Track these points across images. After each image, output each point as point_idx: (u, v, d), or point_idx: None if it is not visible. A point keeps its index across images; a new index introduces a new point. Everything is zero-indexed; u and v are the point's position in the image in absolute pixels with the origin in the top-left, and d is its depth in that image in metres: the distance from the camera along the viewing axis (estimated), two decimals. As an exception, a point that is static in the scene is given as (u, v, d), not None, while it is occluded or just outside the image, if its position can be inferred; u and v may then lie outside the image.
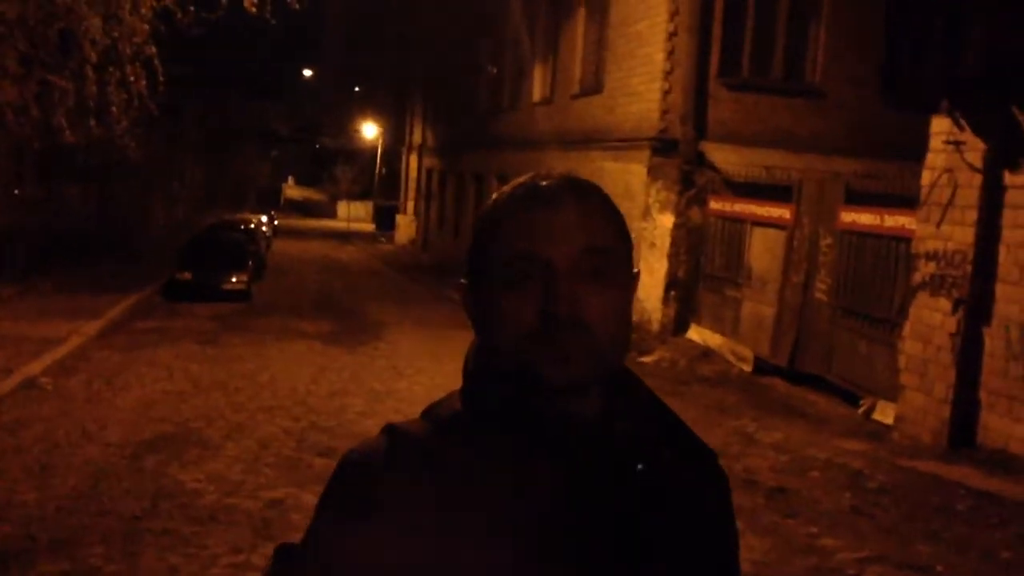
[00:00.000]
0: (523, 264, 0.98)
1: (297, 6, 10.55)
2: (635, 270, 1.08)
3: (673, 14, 12.85)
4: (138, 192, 24.77)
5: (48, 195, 17.78)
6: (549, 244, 0.98)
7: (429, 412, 1.06)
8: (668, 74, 12.94)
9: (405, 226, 33.35)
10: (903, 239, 8.97)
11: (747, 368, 11.33)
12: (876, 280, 9.53)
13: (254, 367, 10.51)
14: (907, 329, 8.59)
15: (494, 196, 1.08)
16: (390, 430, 1.02)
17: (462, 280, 1.09)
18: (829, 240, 10.31)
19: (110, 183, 22.19)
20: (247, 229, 22.50)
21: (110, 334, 12.23)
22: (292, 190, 61.01)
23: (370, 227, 42.20)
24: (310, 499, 5.52)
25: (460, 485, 0.95)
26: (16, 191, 16.66)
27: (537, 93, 19.19)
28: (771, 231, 11.48)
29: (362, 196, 48.43)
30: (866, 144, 12.18)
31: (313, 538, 0.98)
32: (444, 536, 0.93)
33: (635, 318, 13.36)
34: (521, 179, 1.06)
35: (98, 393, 8.95)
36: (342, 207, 47.91)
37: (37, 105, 9.25)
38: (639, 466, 1.02)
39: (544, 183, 1.03)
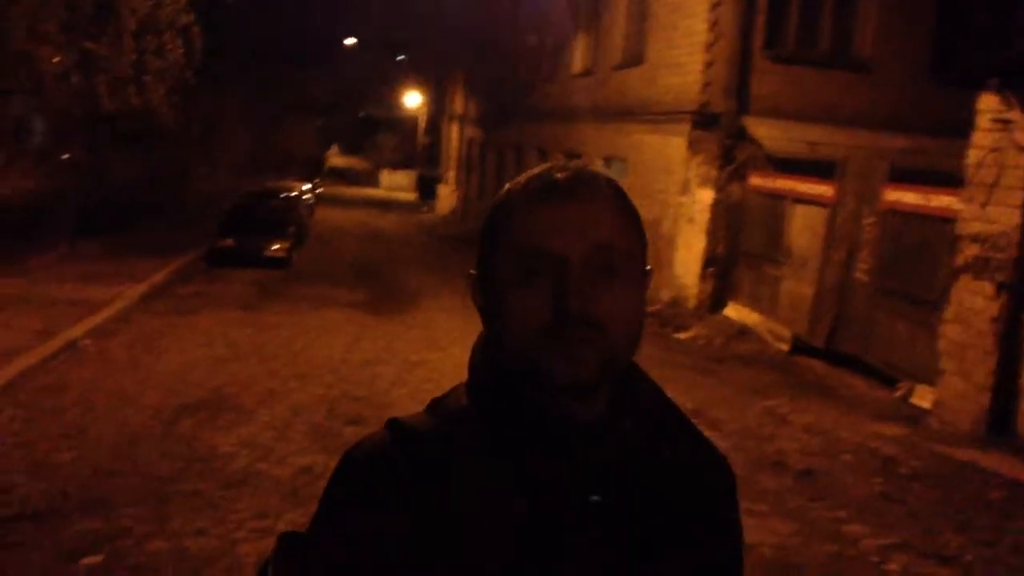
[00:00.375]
0: (535, 259, 0.96)
1: None
2: (648, 267, 1.05)
3: (717, -17, 12.57)
4: (183, 159, 25.06)
5: (94, 161, 18.09)
6: (562, 239, 0.96)
7: (434, 406, 1.06)
8: (711, 46, 12.69)
9: (446, 196, 33.37)
10: (948, 219, 8.73)
11: (784, 348, 11.18)
12: (918, 261, 9.30)
13: (290, 334, 10.65)
14: (948, 312, 8.39)
15: (507, 187, 1.06)
16: (393, 424, 1.02)
17: (471, 271, 1.08)
18: (872, 219, 10.08)
19: (155, 150, 22.51)
20: (289, 197, 22.64)
21: (152, 298, 12.46)
22: (336, 158, 61.28)
23: (412, 196, 42.32)
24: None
25: (463, 481, 0.95)
26: (64, 156, 16.99)
27: (578, 64, 18.97)
28: (812, 208, 11.26)
29: (404, 165, 48.52)
30: (913, 121, 11.87)
31: (316, 529, 0.99)
32: (446, 532, 0.93)
33: (673, 294, 13.32)
34: (535, 171, 1.04)
35: (138, 357, 9.13)
36: (384, 176, 48.10)
37: (78, 72, 9.38)
38: (635, 469, 1.01)
39: (559, 176, 1.00)
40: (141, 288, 12.58)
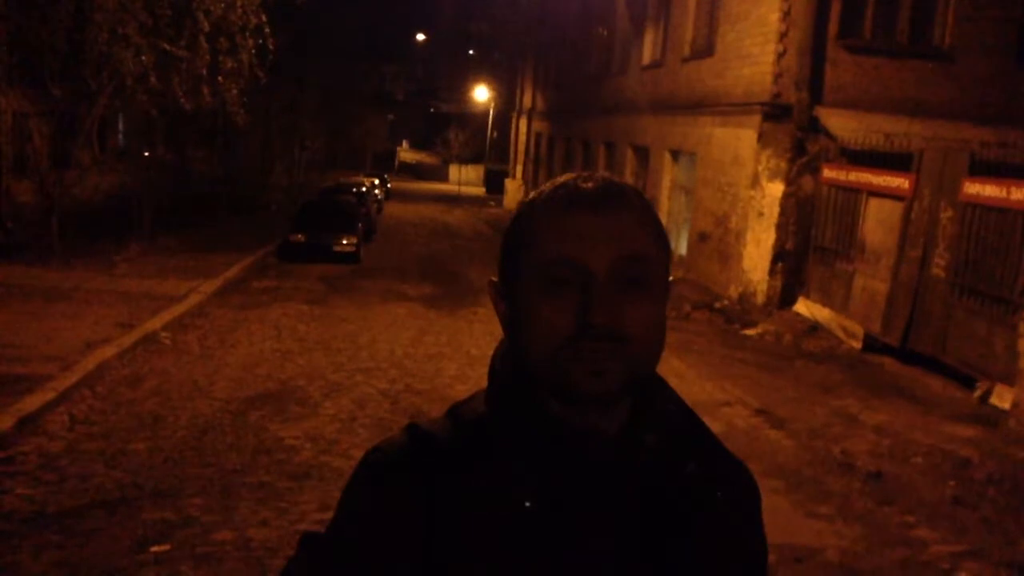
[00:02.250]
0: (561, 269, 0.96)
1: None
2: (671, 279, 1.04)
3: (790, -28, 12.27)
4: (259, 155, 25.75)
5: (174, 158, 18.72)
6: (589, 250, 0.95)
7: (453, 411, 1.06)
8: (783, 36, 12.40)
9: (514, 191, 33.45)
10: (1031, 214, 8.37)
11: (856, 345, 10.87)
12: (999, 257, 8.93)
13: (356, 328, 10.84)
14: (1031, 310, 8.04)
15: (531, 195, 1.05)
16: (412, 429, 1.03)
17: (493, 279, 1.08)
18: (950, 213, 9.72)
19: (233, 147, 23.16)
20: (359, 193, 23.06)
21: (227, 292, 12.82)
22: (406, 153, 62.08)
23: (480, 191, 42.57)
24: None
25: (480, 488, 0.96)
26: (146, 154, 17.64)
27: (647, 56, 18.78)
28: (888, 202, 10.91)
29: (474, 160, 48.81)
30: (995, 111, 11.39)
31: (336, 531, 1.01)
32: (462, 538, 0.94)
33: (741, 290, 13.09)
34: (561, 179, 1.03)
35: (211, 349, 9.42)
36: (454, 171, 48.46)
37: (155, 73, 9.71)
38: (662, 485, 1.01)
39: (585, 186, 1.00)
40: (216, 283, 12.96)
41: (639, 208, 1.00)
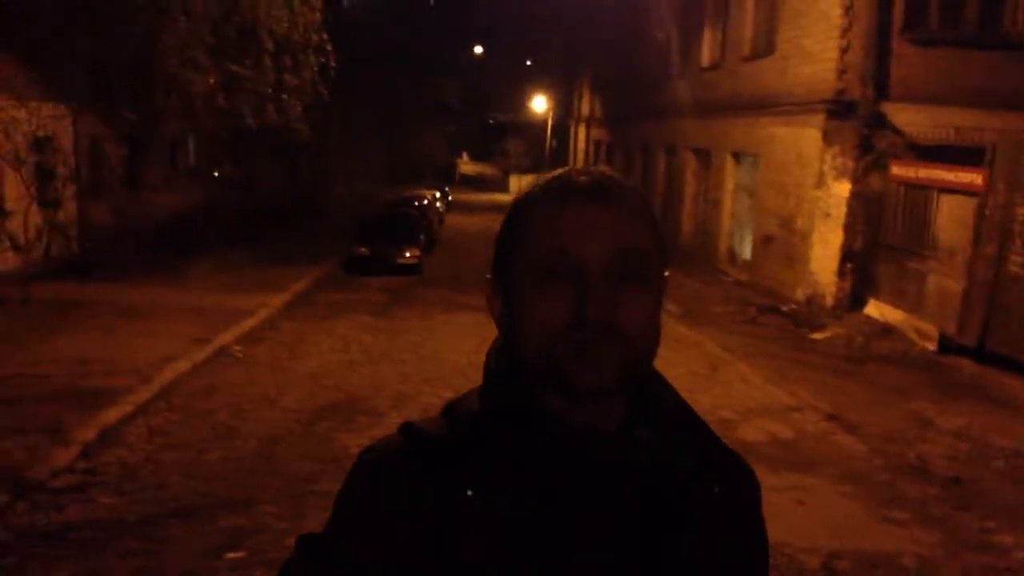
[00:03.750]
0: (555, 262, 0.95)
1: None
2: (666, 273, 1.03)
3: (851, -34, 12.02)
4: (322, 171, 26.24)
5: (241, 176, 19.21)
6: (583, 243, 0.95)
7: (448, 409, 1.05)
8: (845, 31, 12.14)
9: (574, 198, 33.35)
10: (1115, 206, 8.02)
11: (931, 347, 10.55)
12: (1082, 252, 8.58)
13: (419, 339, 10.95)
14: (1117, 306, 7.70)
15: (526, 190, 1.05)
16: (407, 428, 1.02)
17: (488, 276, 1.08)
18: (1027, 208, 9.38)
19: (297, 163, 23.66)
20: (421, 205, 23.31)
21: (294, 306, 13.09)
22: (466, 165, 62.51)
23: (541, 200, 42.48)
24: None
25: (475, 486, 0.94)
26: (216, 173, 18.16)
27: (706, 58, 18.58)
28: (960, 198, 10.58)
29: (533, 170, 48.83)
30: (1074, 100, 10.91)
31: (332, 531, 1.01)
32: (456, 537, 0.93)
33: (808, 292, 12.83)
34: (555, 173, 1.03)
35: (280, 361, 9.62)
36: (513, 181, 48.58)
37: (223, 94, 10.00)
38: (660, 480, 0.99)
39: (580, 179, 0.99)
40: (285, 296, 13.24)
41: (634, 201, 0.99)
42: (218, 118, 10.56)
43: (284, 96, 10.48)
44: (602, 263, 0.94)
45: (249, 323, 11.20)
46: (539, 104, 43.84)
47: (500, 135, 53.20)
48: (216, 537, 5.01)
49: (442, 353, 10.17)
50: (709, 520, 1.01)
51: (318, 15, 10.13)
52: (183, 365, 8.80)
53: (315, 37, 10.38)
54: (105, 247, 14.41)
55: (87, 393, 7.52)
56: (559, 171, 1.04)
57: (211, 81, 10.14)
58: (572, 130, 35.76)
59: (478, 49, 57.16)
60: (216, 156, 18.35)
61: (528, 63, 51.79)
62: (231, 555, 4.79)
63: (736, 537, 1.05)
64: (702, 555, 1.00)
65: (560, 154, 41.34)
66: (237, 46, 9.90)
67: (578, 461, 0.96)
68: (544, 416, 0.98)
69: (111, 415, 7.01)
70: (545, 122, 44.15)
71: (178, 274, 14.09)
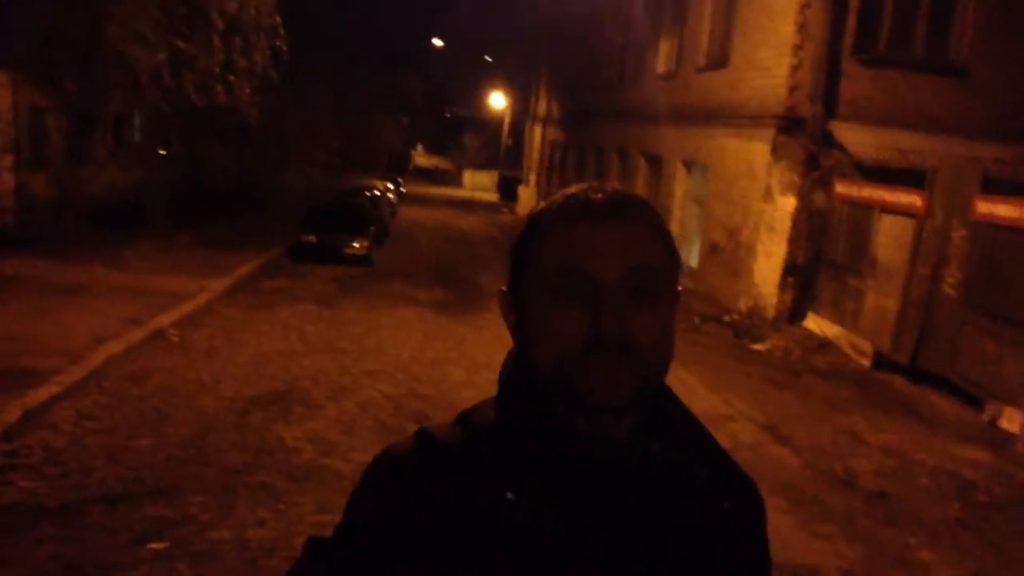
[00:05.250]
0: (571, 279, 0.97)
1: None
2: (679, 288, 1.05)
3: (807, -15, 12.23)
4: (274, 155, 25.86)
5: (189, 156, 18.81)
6: (599, 260, 0.96)
7: (462, 418, 1.06)
8: (798, 48, 12.36)
9: (527, 197, 33.47)
10: (1045, 234, 8.31)
11: (865, 363, 10.81)
12: (1011, 277, 8.86)
13: (363, 331, 10.85)
14: (1042, 332, 7.97)
15: (541, 205, 1.06)
16: (421, 434, 1.03)
17: (502, 288, 1.08)
18: (962, 231, 9.67)
19: (248, 146, 23.25)
20: (372, 196, 23.09)
21: (237, 291, 12.86)
22: (421, 158, 62.23)
23: (493, 197, 42.59)
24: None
25: (486, 495, 0.95)
26: (162, 152, 17.74)
27: (661, 66, 18.76)
28: (900, 219, 10.85)
29: (488, 166, 48.90)
30: (1011, 129, 11.27)
31: (342, 534, 1.01)
32: (468, 544, 0.93)
33: (751, 303, 13.04)
34: (571, 190, 1.04)
35: (218, 348, 9.44)
36: (467, 176, 48.55)
37: (168, 71, 9.77)
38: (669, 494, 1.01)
39: (596, 196, 1.01)
40: (227, 281, 12.99)
41: (649, 219, 1.01)
42: (164, 95, 10.32)
43: (232, 77, 10.27)
44: (617, 280, 0.96)
45: (188, 307, 10.97)
46: (497, 101, 43.85)
47: (457, 130, 53.10)
48: (139, 526, 4.89)
49: (385, 346, 10.08)
50: (717, 536, 1.02)
51: (270, -4, 9.99)
52: (116, 347, 8.57)
53: (268, 20, 10.19)
54: (42, 222, 13.98)
55: (13, 372, 7.28)
56: (574, 188, 1.05)
57: (159, 56, 9.91)
58: (528, 129, 35.81)
59: (437, 42, 56.85)
60: (163, 134, 17.93)
61: (488, 59, 51.74)
62: (153, 545, 4.68)
63: (742, 554, 1.06)
64: (709, 570, 1.01)
65: (516, 152, 41.37)
66: (186, 23, 9.68)
67: (590, 471, 0.97)
68: (557, 427, 0.99)
69: (37, 396, 6.80)
70: (502, 119, 44.16)
71: (118, 253, 13.73)
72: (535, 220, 1.04)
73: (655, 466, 1.00)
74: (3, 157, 13.72)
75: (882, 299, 10.99)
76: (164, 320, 10.04)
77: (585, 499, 0.96)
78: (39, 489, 5.32)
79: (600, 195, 1.00)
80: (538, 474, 0.97)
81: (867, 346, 10.93)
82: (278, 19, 10.37)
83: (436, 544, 0.93)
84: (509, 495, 0.95)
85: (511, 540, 0.93)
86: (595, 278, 0.95)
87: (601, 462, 0.98)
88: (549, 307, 0.97)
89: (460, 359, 9.78)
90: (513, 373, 1.06)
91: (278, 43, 10.67)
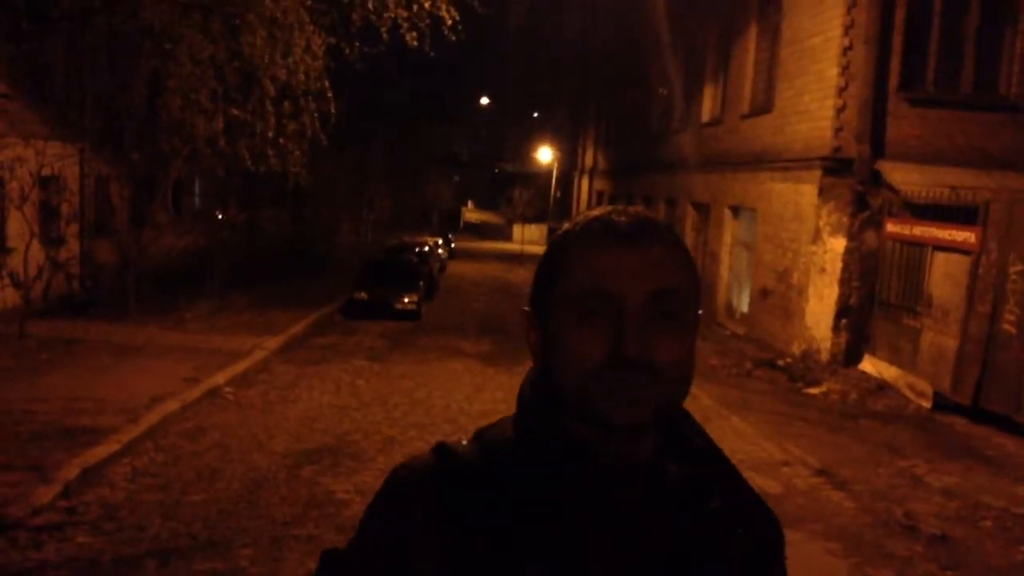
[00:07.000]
0: (594, 301, 0.97)
1: (480, 9, 11.08)
2: (699, 311, 1.05)
3: (848, 27, 12.24)
4: (328, 216, 26.48)
5: (246, 219, 19.39)
6: (622, 283, 0.96)
7: (480, 435, 1.07)
8: (842, 90, 12.32)
9: (577, 248, 33.47)
10: (1105, 267, 8.04)
11: (925, 404, 10.49)
12: (1073, 312, 8.58)
13: (413, 384, 10.94)
14: (1109, 367, 7.67)
15: (566, 227, 1.07)
16: (439, 449, 1.04)
17: (525, 308, 1.09)
18: (1019, 267, 9.41)
19: (303, 207, 23.87)
20: (422, 252, 23.48)
21: (291, 349, 13.10)
22: (471, 213, 63.00)
23: (542, 249, 42.69)
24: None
25: (505, 510, 0.96)
26: (220, 215, 18.33)
27: (706, 114, 18.83)
28: (954, 256, 10.62)
29: (537, 219, 49.18)
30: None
31: (357, 547, 1.02)
32: (484, 559, 0.94)
33: (804, 347, 12.81)
34: (595, 212, 1.05)
35: (272, 404, 9.61)
36: (517, 230, 48.80)
37: (224, 137, 10.17)
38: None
39: (620, 219, 1.02)
40: (281, 339, 13.25)
41: (671, 242, 1.02)
42: (220, 161, 10.75)
43: (281, 141, 10.65)
44: (640, 302, 0.96)
45: (243, 365, 11.21)
46: (544, 155, 44.33)
47: (506, 184, 53.66)
48: (190, 579, 4.97)
49: (434, 399, 10.14)
50: (734, 560, 1.02)
51: (320, 62, 10.36)
52: (173, 405, 8.79)
53: (316, 84, 10.59)
54: (106, 286, 14.49)
55: (74, 431, 7.51)
56: (598, 210, 1.06)
57: (215, 124, 10.37)
58: (576, 181, 36.08)
59: (485, 100, 57.97)
60: (221, 199, 18.56)
61: (535, 115, 52.50)
62: (203, 598, 4.75)
63: None
64: None
65: (564, 204, 41.62)
66: (240, 90, 10.13)
67: (607, 491, 0.98)
68: (576, 446, 1.00)
69: (96, 454, 6.99)
70: (550, 173, 44.57)
71: (177, 315, 14.14)
72: (560, 242, 1.05)
73: (671, 488, 1.01)
74: (70, 225, 14.32)
75: (940, 338, 10.71)
76: (219, 378, 10.27)
77: (602, 518, 0.96)
78: (95, 544, 5.44)
79: (624, 218, 1.01)
80: (555, 491, 0.97)
81: (926, 387, 10.62)
82: (327, 83, 10.76)
83: (451, 559, 0.94)
84: (524, 514, 0.95)
85: (526, 556, 0.94)
86: (619, 299, 0.96)
87: (618, 482, 0.98)
88: (573, 327, 0.98)
89: (508, 410, 9.54)
90: (533, 392, 1.06)
91: (324, 106, 11.06)
